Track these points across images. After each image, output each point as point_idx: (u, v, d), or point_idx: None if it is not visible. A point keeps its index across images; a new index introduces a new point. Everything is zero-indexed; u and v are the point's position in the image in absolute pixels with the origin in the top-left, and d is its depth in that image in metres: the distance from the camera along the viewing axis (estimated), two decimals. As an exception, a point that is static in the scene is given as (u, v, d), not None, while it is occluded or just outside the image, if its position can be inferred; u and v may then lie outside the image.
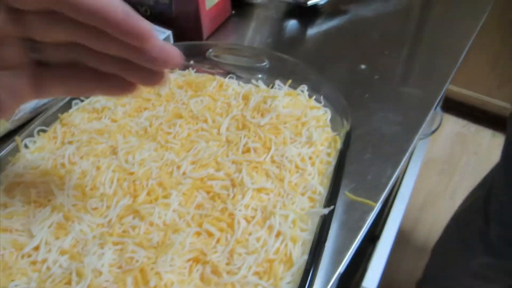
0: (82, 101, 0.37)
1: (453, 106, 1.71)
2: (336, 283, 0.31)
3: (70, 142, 0.33)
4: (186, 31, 0.55)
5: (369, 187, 0.37)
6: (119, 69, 0.22)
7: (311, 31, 0.60)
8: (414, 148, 0.44)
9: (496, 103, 1.56)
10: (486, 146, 1.64)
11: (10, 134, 0.42)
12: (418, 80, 0.51)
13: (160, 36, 0.52)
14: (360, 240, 0.35)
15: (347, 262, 0.33)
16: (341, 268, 0.31)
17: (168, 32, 0.52)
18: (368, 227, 0.36)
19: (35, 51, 0.21)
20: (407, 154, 0.41)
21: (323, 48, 0.56)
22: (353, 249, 0.33)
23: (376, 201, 0.36)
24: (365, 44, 0.57)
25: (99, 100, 0.37)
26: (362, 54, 0.54)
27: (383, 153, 0.41)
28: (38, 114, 0.43)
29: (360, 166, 0.39)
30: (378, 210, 0.37)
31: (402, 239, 1.39)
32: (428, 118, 0.46)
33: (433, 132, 0.64)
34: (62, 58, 0.22)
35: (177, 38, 0.52)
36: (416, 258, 1.30)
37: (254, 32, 0.61)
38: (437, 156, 1.60)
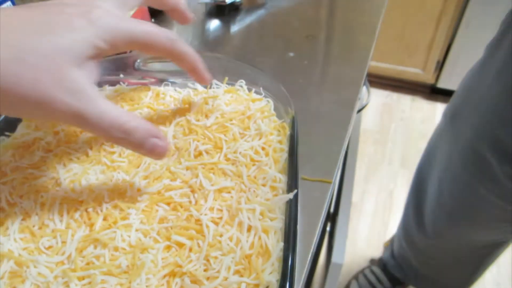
0: (8, 136, 0.34)
1: (374, 80, 1.83)
2: (310, 263, 0.32)
3: (4, 183, 0.30)
4: (106, 46, 0.53)
5: (321, 166, 0.39)
6: None
7: (234, 27, 0.61)
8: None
9: (409, 70, 1.70)
10: (409, 111, 1.77)
11: None
12: (343, 60, 0.53)
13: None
14: (324, 217, 0.36)
15: (317, 241, 0.34)
16: (313, 248, 0.32)
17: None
18: (328, 204, 0.37)
19: None
20: (349, 129, 0.43)
21: (249, 43, 0.57)
22: (320, 227, 0.34)
23: (331, 178, 0.37)
24: (288, 33, 0.58)
25: (28, 133, 0.34)
26: (288, 43, 0.56)
27: (326, 132, 0.42)
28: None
29: (307, 148, 0.40)
30: (333, 186, 0.39)
31: (353, 212, 1.46)
32: (360, 92, 0.48)
33: (364, 106, 0.68)
34: None
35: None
36: (370, 227, 1.37)
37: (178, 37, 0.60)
38: (368, 128, 1.70)
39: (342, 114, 0.45)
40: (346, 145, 0.42)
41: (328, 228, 0.92)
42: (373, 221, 1.39)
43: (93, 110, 0.23)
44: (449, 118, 0.70)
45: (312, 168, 0.38)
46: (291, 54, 0.54)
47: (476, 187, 0.64)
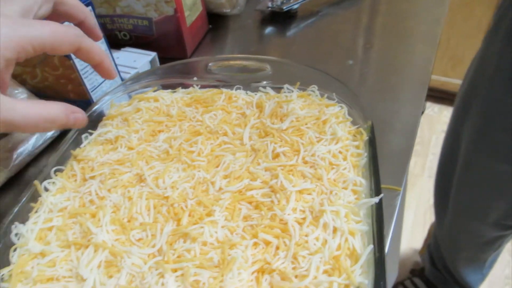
0: (91, 134, 0.36)
1: (415, 90, 1.79)
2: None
3: (92, 177, 0.32)
4: (170, 50, 0.55)
5: (388, 173, 0.38)
6: None
7: (290, 34, 0.61)
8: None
9: (453, 82, 1.65)
10: (451, 123, 1.72)
11: (12, 181, 0.40)
12: (405, 68, 0.53)
13: (144, 59, 0.51)
14: (394, 225, 0.36)
15: (387, 250, 0.34)
16: (384, 255, 0.32)
17: (153, 54, 0.52)
18: (397, 211, 0.37)
19: None
20: (415, 137, 0.43)
21: (306, 49, 0.58)
22: (390, 236, 0.34)
23: (399, 185, 0.37)
24: (345, 41, 0.59)
25: (110, 131, 0.36)
26: (346, 51, 0.56)
27: (391, 139, 0.42)
28: (36, 157, 0.42)
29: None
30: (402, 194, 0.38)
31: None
32: (423, 101, 0.48)
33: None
34: None
35: (161, 58, 0.52)
36: (409, 240, 1.34)
37: (234, 43, 0.61)
38: (409, 140, 1.66)
39: (406, 123, 0.44)
40: (412, 153, 0.42)
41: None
42: (412, 234, 1.35)
43: (15, 116, 0.25)
44: (463, 108, 0.75)
45: (381, 174, 0.38)
46: (350, 62, 0.54)
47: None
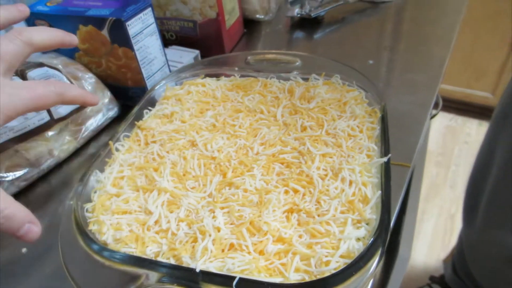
0: (150, 110, 0.43)
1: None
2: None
3: (153, 142, 0.39)
4: (210, 50, 0.63)
5: (400, 153, 0.44)
6: None
7: (317, 38, 0.68)
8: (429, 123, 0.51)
9: (477, 94, 1.67)
10: (475, 135, 1.74)
11: (77, 152, 0.48)
12: (420, 67, 0.58)
13: (189, 56, 0.59)
14: (403, 196, 0.42)
15: (395, 218, 0.40)
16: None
17: (197, 52, 0.59)
18: (407, 184, 0.42)
19: None
20: (425, 125, 0.49)
21: (331, 51, 0.64)
22: (400, 203, 0.40)
23: (409, 163, 0.43)
24: (367, 44, 0.65)
25: (166, 108, 0.43)
26: (367, 52, 0.63)
27: (404, 125, 0.48)
28: (100, 131, 0.49)
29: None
30: (412, 170, 0.44)
31: (411, 230, 1.45)
32: (436, 95, 0.53)
33: (435, 115, 0.72)
34: None
35: (202, 57, 0.60)
36: (429, 247, 1.36)
37: (266, 45, 0.69)
38: (431, 150, 1.69)
39: (419, 112, 0.50)
40: (422, 137, 0.48)
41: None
42: (433, 242, 1.37)
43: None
44: (501, 119, 0.77)
45: (393, 155, 0.44)
46: (371, 62, 0.60)
47: None
